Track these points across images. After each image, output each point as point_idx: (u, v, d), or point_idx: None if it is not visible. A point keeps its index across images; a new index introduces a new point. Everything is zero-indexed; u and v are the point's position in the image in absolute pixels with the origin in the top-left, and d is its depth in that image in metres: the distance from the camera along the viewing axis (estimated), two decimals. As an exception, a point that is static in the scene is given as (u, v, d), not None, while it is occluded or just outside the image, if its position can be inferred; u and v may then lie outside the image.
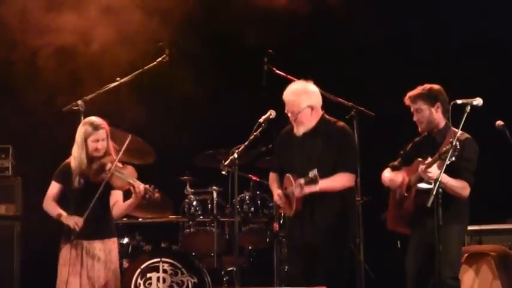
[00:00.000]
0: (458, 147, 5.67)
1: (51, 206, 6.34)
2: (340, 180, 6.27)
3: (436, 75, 6.42)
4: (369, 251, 7.25)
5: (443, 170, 5.71)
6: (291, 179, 6.31)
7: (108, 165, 6.23)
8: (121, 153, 6.33)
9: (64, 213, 6.26)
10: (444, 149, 5.74)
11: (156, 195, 6.25)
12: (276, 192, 6.47)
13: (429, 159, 5.91)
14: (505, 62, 8.58)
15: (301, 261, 6.36)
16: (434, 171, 5.84)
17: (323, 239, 6.26)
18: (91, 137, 6.28)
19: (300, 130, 6.40)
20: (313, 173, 6.04)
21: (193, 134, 8.99)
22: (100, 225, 6.30)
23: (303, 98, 6.36)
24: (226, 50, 8.91)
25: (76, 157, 6.30)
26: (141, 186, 6.20)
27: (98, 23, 8.31)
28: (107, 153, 6.33)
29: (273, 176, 6.63)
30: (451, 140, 5.69)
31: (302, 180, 6.12)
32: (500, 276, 6.96)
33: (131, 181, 6.20)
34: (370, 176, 6.59)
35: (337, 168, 6.26)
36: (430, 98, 6.19)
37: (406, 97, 6.29)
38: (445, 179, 5.86)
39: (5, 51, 8.43)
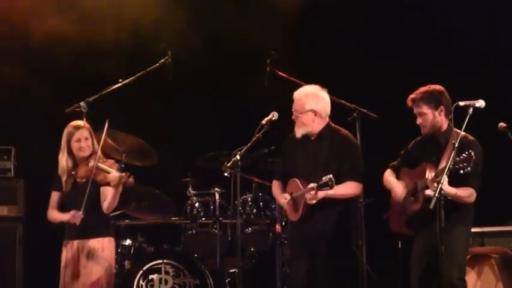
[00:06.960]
0: (473, 157, 5.62)
1: (54, 215, 6.39)
2: (352, 189, 6.31)
3: (439, 76, 6.40)
4: (371, 252, 7.24)
5: (446, 177, 5.67)
6: (298, 183, 6.30)
7: (91, 162, 6.24)
8: (101, 142, 6.31)
9: (64, 217, 6.30)
10: (458, 158, 5.66)
11: (130, 179, 6.18)
12: (283, 195, 6.45)
13: (439, 168, 5.85)
14: (508, 63, 8.57)
15: (303, 265, 6.36)
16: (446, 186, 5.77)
17: (325, 244, 6.26)
18: (73, 137, 6.32)
19: (299, 131, 6.40)
20: (327, 177, 6.03)
21: (195, 136, 8.98)
22: (93, 224, 6.28)
23: (310, 100, 6.37)
24: (228, 51, 8.90)
25: (61, 160, 6.34)
26: (116, 174, 6.18)
27: (101, 24, 8.35)
28: (93, 153, 6.33)
29: (276, 184, 6.62)
30: (468, 151, 5.64)
31: (314, 185, 6.11)
32: (503, 278, 6.96)
33: (108, 171, 6.19)
34: (373, 178, 6.58)
35: (346, 177, 6.27)
36: (434, 101, 6.12)
37: (408, 99, 6.21)
38: (452, 190, 5.84)
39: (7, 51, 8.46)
